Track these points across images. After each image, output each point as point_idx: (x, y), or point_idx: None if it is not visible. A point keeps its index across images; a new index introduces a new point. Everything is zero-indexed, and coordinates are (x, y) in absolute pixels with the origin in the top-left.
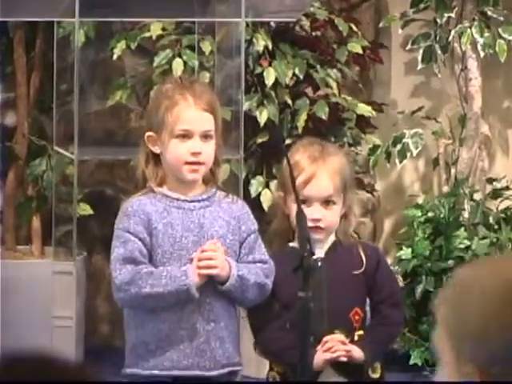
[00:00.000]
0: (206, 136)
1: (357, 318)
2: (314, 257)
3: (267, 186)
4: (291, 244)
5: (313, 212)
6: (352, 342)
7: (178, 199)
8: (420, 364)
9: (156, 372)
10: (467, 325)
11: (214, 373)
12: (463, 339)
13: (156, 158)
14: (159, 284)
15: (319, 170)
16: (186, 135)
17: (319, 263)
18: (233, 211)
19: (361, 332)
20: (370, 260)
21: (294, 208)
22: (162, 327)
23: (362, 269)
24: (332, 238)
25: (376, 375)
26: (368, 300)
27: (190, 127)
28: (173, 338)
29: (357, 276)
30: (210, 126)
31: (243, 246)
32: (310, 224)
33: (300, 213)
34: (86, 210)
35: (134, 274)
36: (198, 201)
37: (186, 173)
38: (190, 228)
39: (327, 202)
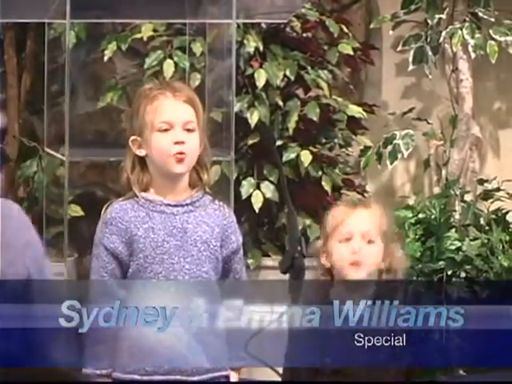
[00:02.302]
0: (188, 129)
1: None
2: None
3: (258, 187)
4: None
5: (353, 244)
6: None
7: (161, 204)
8: None
9: (137, 377)
10: None
11: (195, 378)
12: None
13: (142, 163)
14: None
15: (359, 209)
16: (167, 128)
17: None
18: (218, 217)
19: None
20: None
21: (335, 248)
22: None
23: None
24: None
25: None
26: None
27: (170, 118)
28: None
29: None
30: (191, 117)
31: (232, 259)
32: (349, 259)
33: (290, 214)
34: (76, 211)
35: None
36: (182, 205)
37: (172, 165)
38: (173, 233)
39: (368, 241)
